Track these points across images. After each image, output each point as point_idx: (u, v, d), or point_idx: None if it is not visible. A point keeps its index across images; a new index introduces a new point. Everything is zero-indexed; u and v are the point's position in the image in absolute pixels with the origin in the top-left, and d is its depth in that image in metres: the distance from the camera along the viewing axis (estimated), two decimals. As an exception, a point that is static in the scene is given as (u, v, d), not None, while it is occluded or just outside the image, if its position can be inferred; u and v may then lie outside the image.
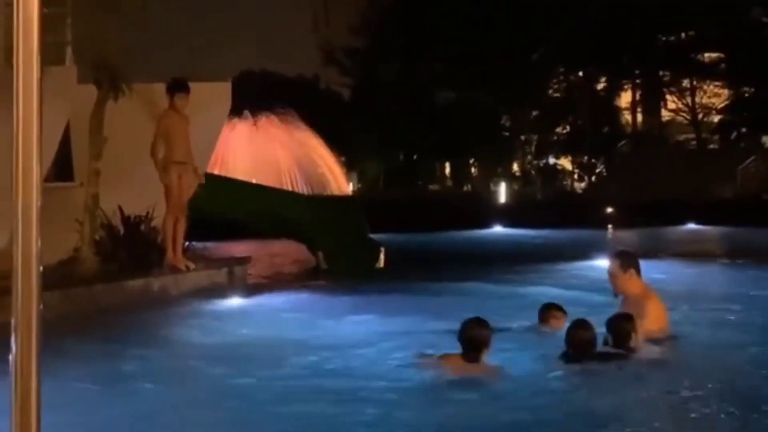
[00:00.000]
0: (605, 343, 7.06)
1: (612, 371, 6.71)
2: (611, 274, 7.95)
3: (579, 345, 6.81)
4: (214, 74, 15.79)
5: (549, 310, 8.30)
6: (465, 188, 45.49)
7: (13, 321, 1.97)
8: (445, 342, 7.24)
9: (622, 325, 7.11)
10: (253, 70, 44.24)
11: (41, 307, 2.00)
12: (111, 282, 10.62)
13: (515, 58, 41.42)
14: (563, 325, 7.57)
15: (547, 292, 10.84)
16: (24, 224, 1.98)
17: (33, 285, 1.98)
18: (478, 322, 6.68)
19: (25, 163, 1.98)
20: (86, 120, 11.19)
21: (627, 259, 8.05)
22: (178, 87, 11.57)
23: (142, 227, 11.57)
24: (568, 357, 6.82)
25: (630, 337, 7.05)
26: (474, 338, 6.57)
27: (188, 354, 7.98)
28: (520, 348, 7.47)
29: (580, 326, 6.93)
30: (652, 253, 15.89)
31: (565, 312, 8.20)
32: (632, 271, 7.95)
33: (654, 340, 7.44)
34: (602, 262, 9.37)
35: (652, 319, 7.67)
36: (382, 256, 16.67)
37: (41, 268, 2.00)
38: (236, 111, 17.84)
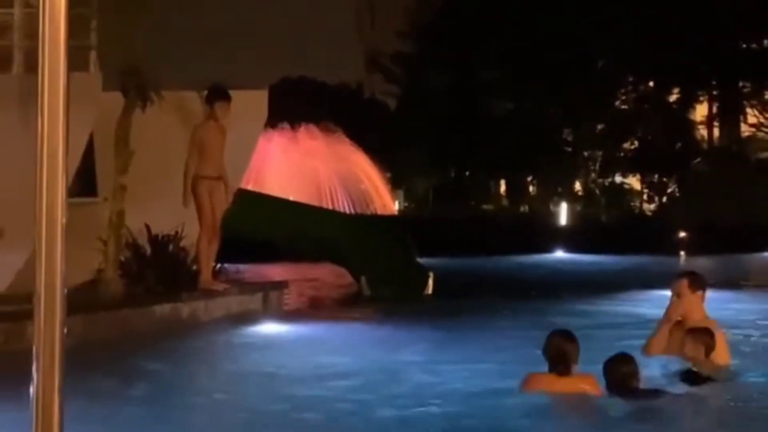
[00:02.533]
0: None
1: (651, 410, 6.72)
2: (677, 294, 7.90)
3: (616, 380, 6.84)
4: (250, 82, 15.90)
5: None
6: (522, 208, 45.25)
7: (34, 348, 1.95)
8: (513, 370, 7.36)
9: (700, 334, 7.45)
10: (291, 77, 44.52)
11: (65, 333, 1.98)
12: (137, 306, 10.68)
13: (578, 66, 41.20)
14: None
15: (616, 321, 10.76)
16: (48, 243, 1.95)
17: (57, 309, 1.95)
18: (565, 335, 6.87)
19: (49, 178, 1.96)
20: (111, 130, 11.27)
21: (696, 280, 8.03)
22: (219, 95, 11.63)
23: (171, 247, 11.61)
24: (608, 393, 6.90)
25: (711, 350, 7.37)
26: (563, 351, 6.69)
27: (220, 386, 7.99)
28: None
29: (618, 360, 6.96)
30: (730, 283, 15.66)
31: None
32: (700, 293, 7.92)
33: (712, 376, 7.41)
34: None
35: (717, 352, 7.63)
36: (430, 282, 16.61)
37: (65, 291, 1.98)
38: (273, 122, 17.92)
